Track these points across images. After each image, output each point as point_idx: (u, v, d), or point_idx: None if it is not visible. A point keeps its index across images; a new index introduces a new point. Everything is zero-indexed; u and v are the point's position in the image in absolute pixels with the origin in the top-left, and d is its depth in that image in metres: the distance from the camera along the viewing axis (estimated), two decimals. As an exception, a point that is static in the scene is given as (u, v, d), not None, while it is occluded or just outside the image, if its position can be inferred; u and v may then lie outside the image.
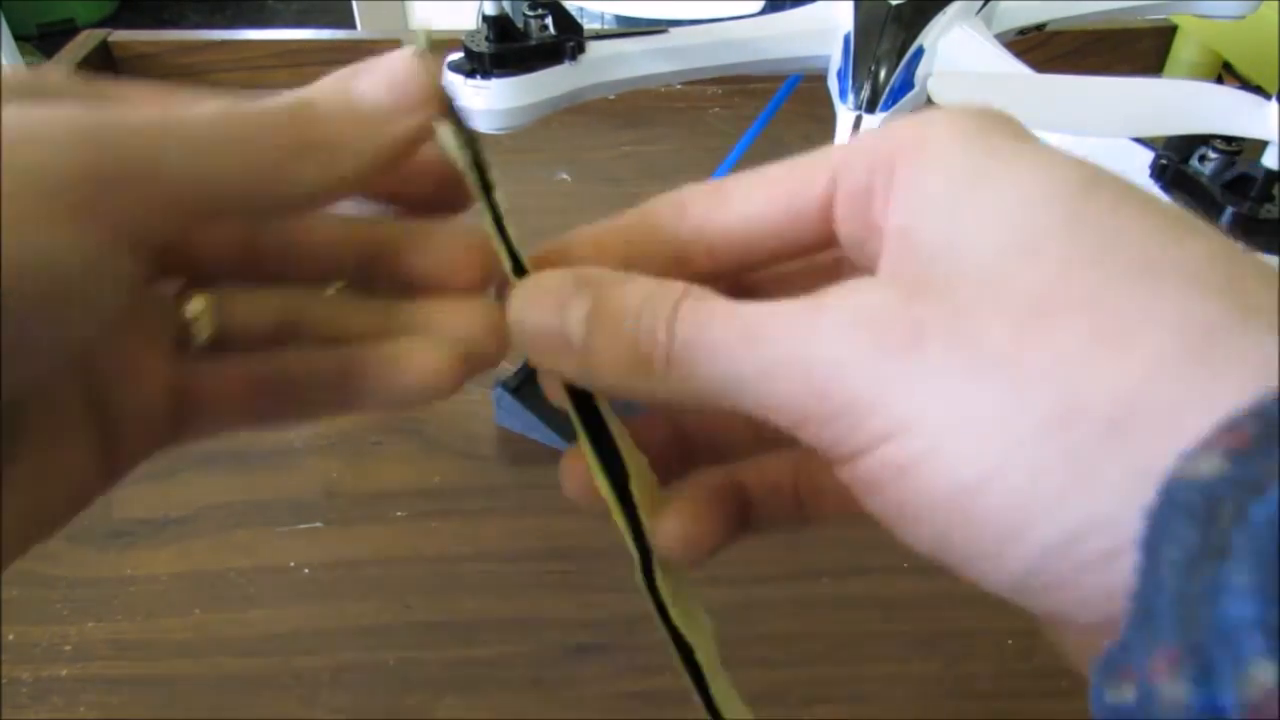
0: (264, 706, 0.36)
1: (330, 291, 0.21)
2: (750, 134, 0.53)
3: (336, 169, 0.18)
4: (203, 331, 0.20)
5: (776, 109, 0.52)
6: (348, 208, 0.20)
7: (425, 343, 0.20)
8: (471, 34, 0.44)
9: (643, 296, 0.18)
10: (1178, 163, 0.35)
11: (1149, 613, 0.13)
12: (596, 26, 0.48)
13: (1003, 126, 0.17)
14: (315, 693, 0.36)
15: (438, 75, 0.19)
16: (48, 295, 0.14)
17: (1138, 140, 0.37)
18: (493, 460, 0.46)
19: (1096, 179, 0.16)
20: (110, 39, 0.77)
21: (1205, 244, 0.15)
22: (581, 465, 0.21)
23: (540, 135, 0.50)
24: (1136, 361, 0.14)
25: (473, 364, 0.20)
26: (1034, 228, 0.15)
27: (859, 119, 0.42)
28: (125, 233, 0.15)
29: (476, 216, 0.21)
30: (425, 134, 0.19)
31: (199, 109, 0.16)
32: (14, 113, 0.14)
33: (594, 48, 0.45)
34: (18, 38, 1.81)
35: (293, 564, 0.41)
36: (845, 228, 0.19)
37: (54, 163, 0.14)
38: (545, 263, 0.21)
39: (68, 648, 0.37)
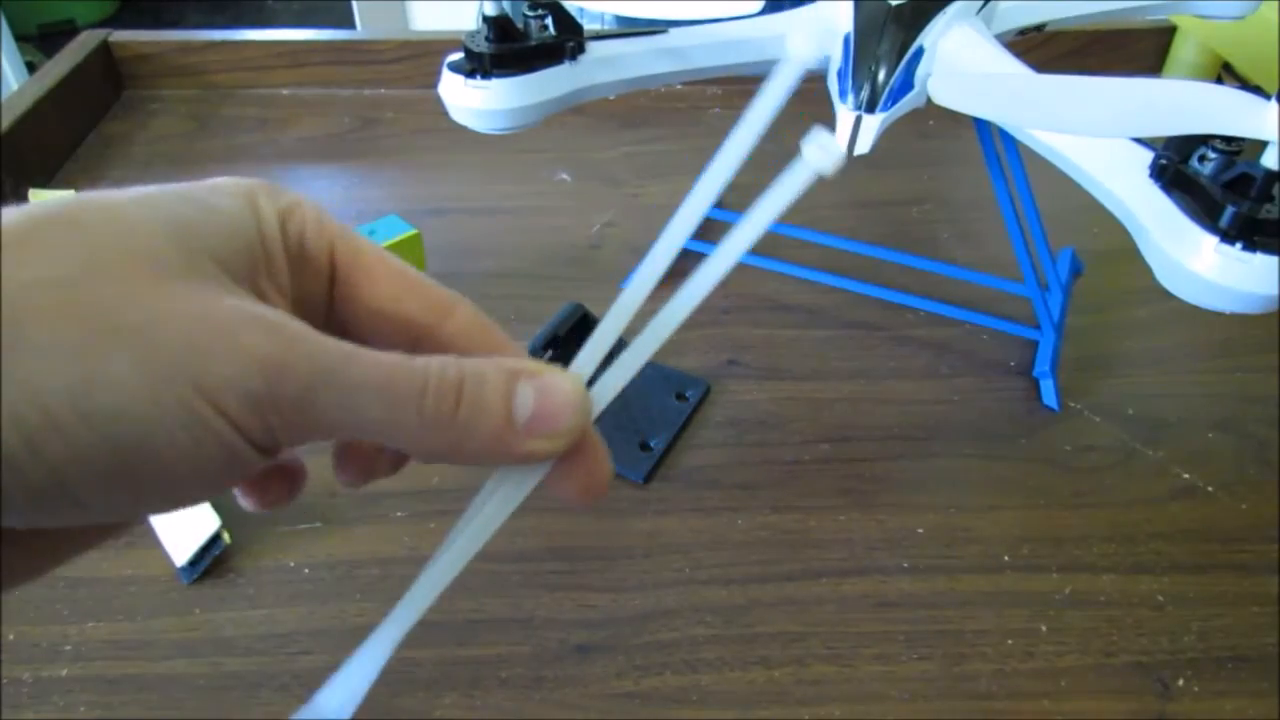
0: (264, 706, 0.36)
1: None
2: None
3: (458, 458, 0.20)
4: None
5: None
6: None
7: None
8: (471, 34, 0.44)
9: None
10: (1178, 163, 0.35)
11: None
12: (596, 27, 0.48)
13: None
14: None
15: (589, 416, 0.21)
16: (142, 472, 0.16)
17: (1138, 140, 0.37)
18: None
19: None
20: (110, 39, 0.77)
21: None
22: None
23: (540, 135, 0.50)
24: None
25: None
26: None
27: (859, 119, 0.42)
28: (256, 437, 0.17)
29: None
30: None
31: (373, 361, 0.18)
32: (232, 306, 0.17)
33: (594, 48, 0.45)
34: (18, 38, 1.81)
35: (293, 564, 0.41)
36: None
37: (237, 382, 0.17)
38: None
39: (68, 648, 0.37)
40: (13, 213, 0.16)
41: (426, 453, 0.20)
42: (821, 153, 0.20)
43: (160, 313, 0.16)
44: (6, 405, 0.15)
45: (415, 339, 0.21)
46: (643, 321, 0.22)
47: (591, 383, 0.22)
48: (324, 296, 0.21)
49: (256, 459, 0.18)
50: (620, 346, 0.22)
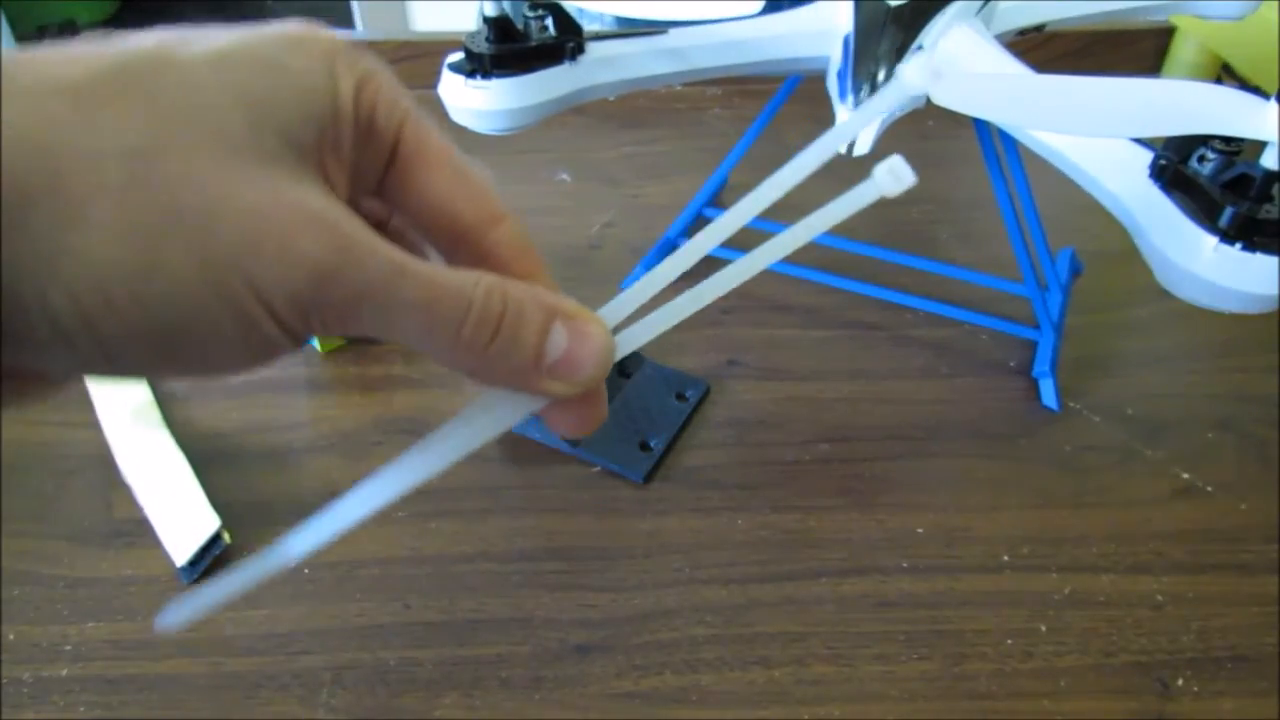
0: (264, 706, 0.36)
1: None
2: (750, 134, 0.53)
3: (477, 379, 0.20)
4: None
5: (776, 109, 0.52)
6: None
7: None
8: (472, 35, 0.44)
9: None
10: (1177, 163, 0.35)
11: None
12: (596, 27, 0.48)
13: None
14: (315, 693, 0.36)
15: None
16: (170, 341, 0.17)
17: (1138, 140, 0.37)
18: (493, 460, 0.46)
19: None
20: (110, 39, 0.77)
21: None
22: None
23: (540, 136, 0.50)
24: None
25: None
26: None
27: (859, 119, 0.42)
28: (296, 331, 0.18)
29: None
30: None
31: (421, 279, 0.18)
32: (293, 201, 0.17)
33: (594, 48, 0.45)
34: (18, 38, 1.81)
35: (293, 564, 0.41)
36: None
37: (287, 284, 0.17)
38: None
39: (68, 648, 0.37)
40: (94, 59, 0.16)
41: (450, 365, 0.20)
42: (892, 178, 0.20)
43: (223, 200, 0.16)
44: (67, 283, 0.15)
45: (456, 238, 0.21)
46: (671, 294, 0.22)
47: (618, 330, 0.22)
48: (380, 171, 0.21)
49: (291, 348, 0.18)
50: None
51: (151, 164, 0.16)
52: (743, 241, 0.21)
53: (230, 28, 0.18)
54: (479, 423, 0.22)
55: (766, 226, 0.22)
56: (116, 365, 0.17)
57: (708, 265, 0.22)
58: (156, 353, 0.17)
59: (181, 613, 0.22)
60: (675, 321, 0.22)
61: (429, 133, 0.21)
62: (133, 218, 0.15)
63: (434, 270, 0.19)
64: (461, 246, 0.21)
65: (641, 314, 0.22)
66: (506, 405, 0.22)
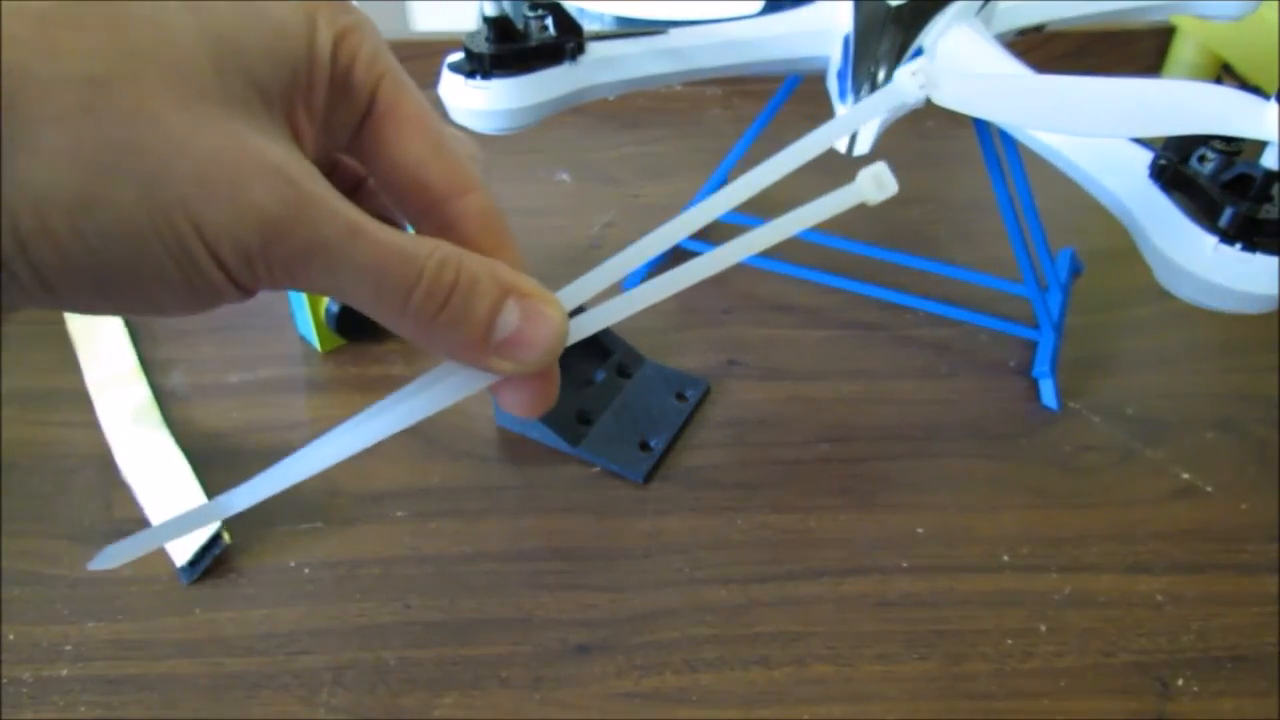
0: (264, 706, 0.36)
1: None
2: (750, 134, 0.53)
3: (424, 348, 0.20)
4: None
5: (776, 109, 0.52)
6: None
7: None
8: (471, 34, 0.44)
9: None
10: (1177, 163, 0.35)
11: None
12: (596, 27, 0.48)
13: None
14: (315, 693, 0.36)
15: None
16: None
17: (1138, 140, 0.37)
18: (493, 460, 0.46)
19: None
20: (110, 39, 0.77)
21: None
22: None
23: (540, 135, 0.50)
24: None
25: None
26: None
27: (859, 119, 0.42)
28: (242, 281, 0.17)
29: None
30: None
31: (373, 242, 0.18)
32: (251, 148, 0.17)
33: (594, 48, 0.45)
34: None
35: (293, 564, 0.41)
36: None
37: (236, 232, 0.16)
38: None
39: (68, 648, 0.37)
40: None
41: (399, 332, 0.20)
42: (875, 185, 0.20)
43: (178, 138, 0.16)
44: (9, 207, 0.15)
45: (425, 205, 0.21)
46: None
47: (577, 314, 0.21)
48: (353, 126, 0.20)
49: (237, 296, 0.18)
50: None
51: (108, 94, 0.15)
52: (725, 235, 0.21)
53: None
54: (428, 393, 0.22)
55: (745, 221, 0.22)
56: (56, 297, 0.16)
57: (677, 258, 0.22)
58: (96, 287, 0.16)
59: (116, 555, 0.22)
60: (634, 310, 0.22)
61: (408, 94, 0.20)
62: (81, 147, 0.15)
63: (390, 234, 0.18)
64: (429, 214, 0.21)
65: (601, 300, 0.22)
66: (456, 378, 0.22)
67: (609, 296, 0.22)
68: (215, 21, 0.17)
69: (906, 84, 0.21)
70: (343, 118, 0.20)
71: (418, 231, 0.21)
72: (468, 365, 0.21)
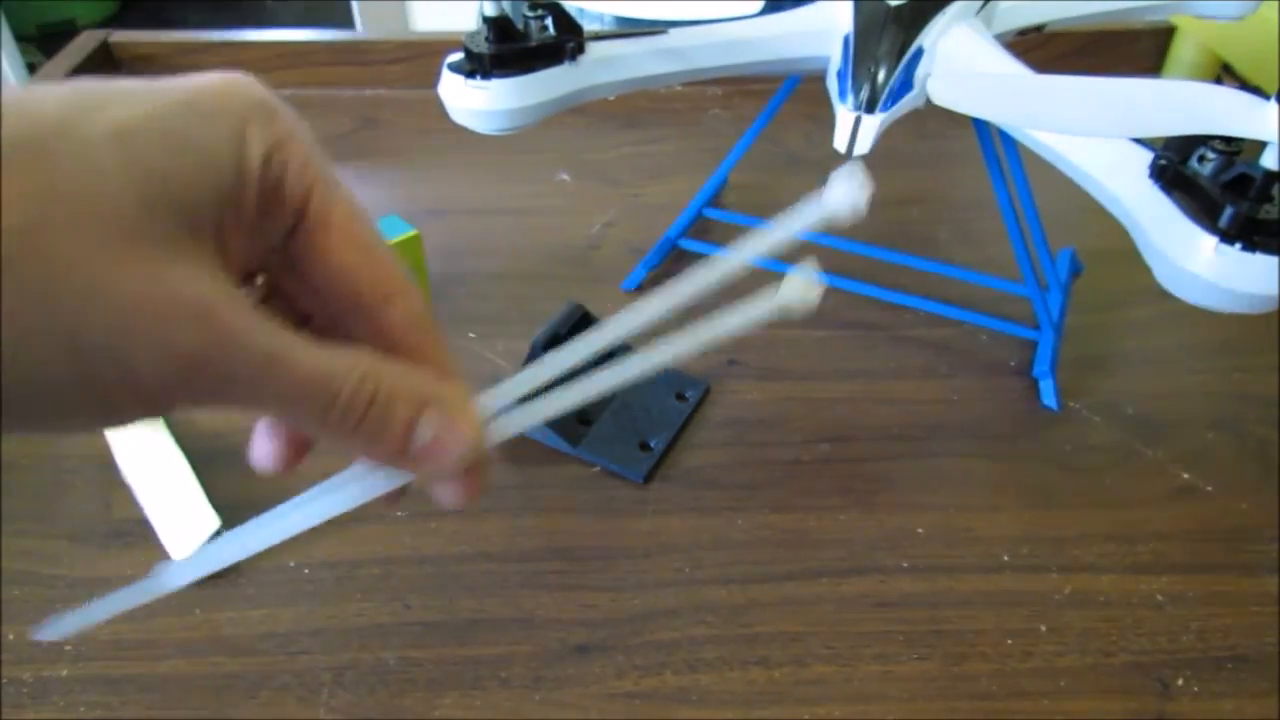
0: (264, 707, 0.36)
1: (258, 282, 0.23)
2: (750, 134, 0.53)
3: (350, 452, 0.22)
4: None
5: (776, 109, 0.52)
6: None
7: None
8: (471, 35, 0.44)
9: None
10: (1177, 163, 0.35)
11: None
12: (596, 27, 0.48)
13: None
14: (315, 693, 0.36)
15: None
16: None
17: (1138, 140, 0.37)
18: (492, 460, 0.46)
19: None
20: (111, 40, 0.77)
21: None
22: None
23: (540, 136, 0.50)
24: None
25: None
26: None
27: (859, 119, 0.42)
28: (164, 409, 0.18)
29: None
30: None
31: (292, 367, 0.19)
32: (169, 291, 0.17)
33: (594, 48, 0.45)
34: (18, 38, 1.81)
35: (293, 564, 0.41)
36: None
37: (155, 359, 0.17)
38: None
39: (68, 648, 0.37)
40: (5, 123, 0.16)
41: (319, 440, 0.21)
42: (801, 292, 0.20)
43: (100, 286, 0.17)
44: None
45: (353, 309, 0.22)
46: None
47: (503, 412, 0.23)
48: (285, 232, 0.21)
49: (156, 417, 0.20)
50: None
51: (34, 243, 0.16)
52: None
53: (149, 85, 0.19)
54: (351, 488, 0.24)
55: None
56: None
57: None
58: (21, 418, 0.17)
59: (61, 627, 0.24)
60: (558, 411, 0.23)
61: (339, 202, 0.21)
62: (8, 298, 0.16)
63: (310, 355, 0.19)
64: (359, 317, 0.22)
65: (526, 400, 0.23)
66: (380, 474, 0.23)
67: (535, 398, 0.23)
68: (143, 159, 0.18)
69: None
70: (274, 225, 0.21)
71: (352, 330, 0.22)
72: (390, 466, 0.23)
